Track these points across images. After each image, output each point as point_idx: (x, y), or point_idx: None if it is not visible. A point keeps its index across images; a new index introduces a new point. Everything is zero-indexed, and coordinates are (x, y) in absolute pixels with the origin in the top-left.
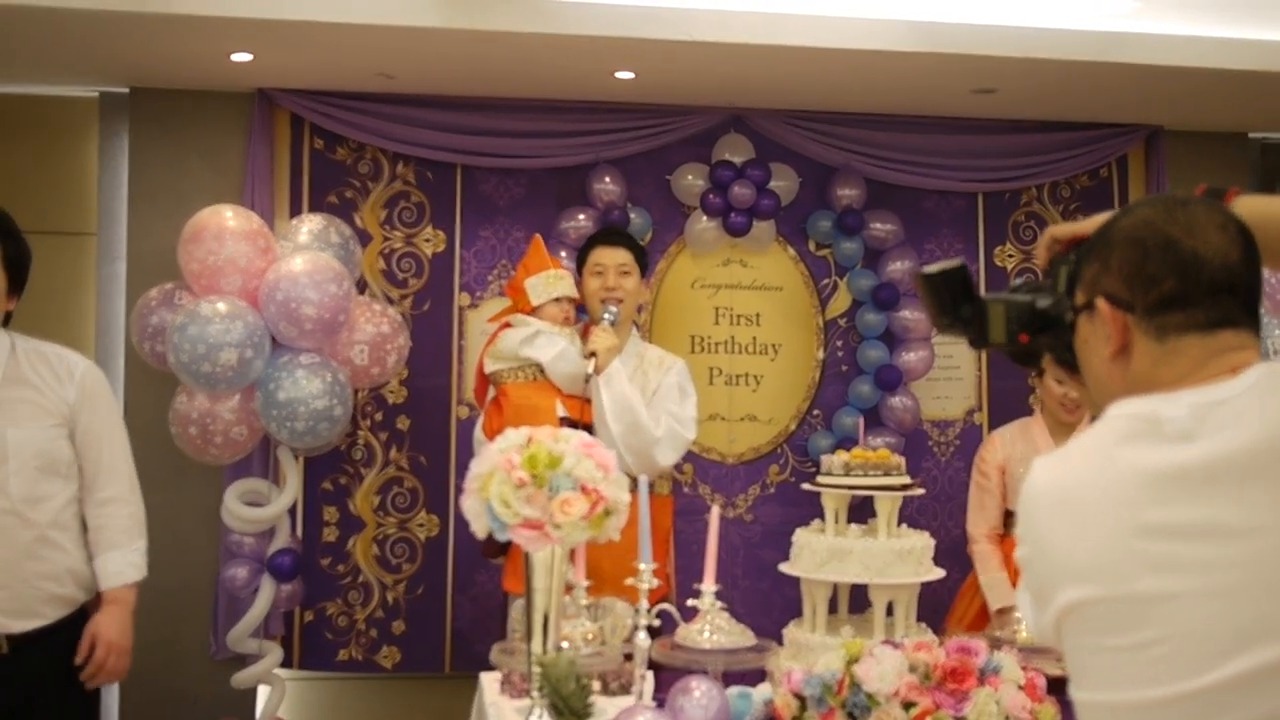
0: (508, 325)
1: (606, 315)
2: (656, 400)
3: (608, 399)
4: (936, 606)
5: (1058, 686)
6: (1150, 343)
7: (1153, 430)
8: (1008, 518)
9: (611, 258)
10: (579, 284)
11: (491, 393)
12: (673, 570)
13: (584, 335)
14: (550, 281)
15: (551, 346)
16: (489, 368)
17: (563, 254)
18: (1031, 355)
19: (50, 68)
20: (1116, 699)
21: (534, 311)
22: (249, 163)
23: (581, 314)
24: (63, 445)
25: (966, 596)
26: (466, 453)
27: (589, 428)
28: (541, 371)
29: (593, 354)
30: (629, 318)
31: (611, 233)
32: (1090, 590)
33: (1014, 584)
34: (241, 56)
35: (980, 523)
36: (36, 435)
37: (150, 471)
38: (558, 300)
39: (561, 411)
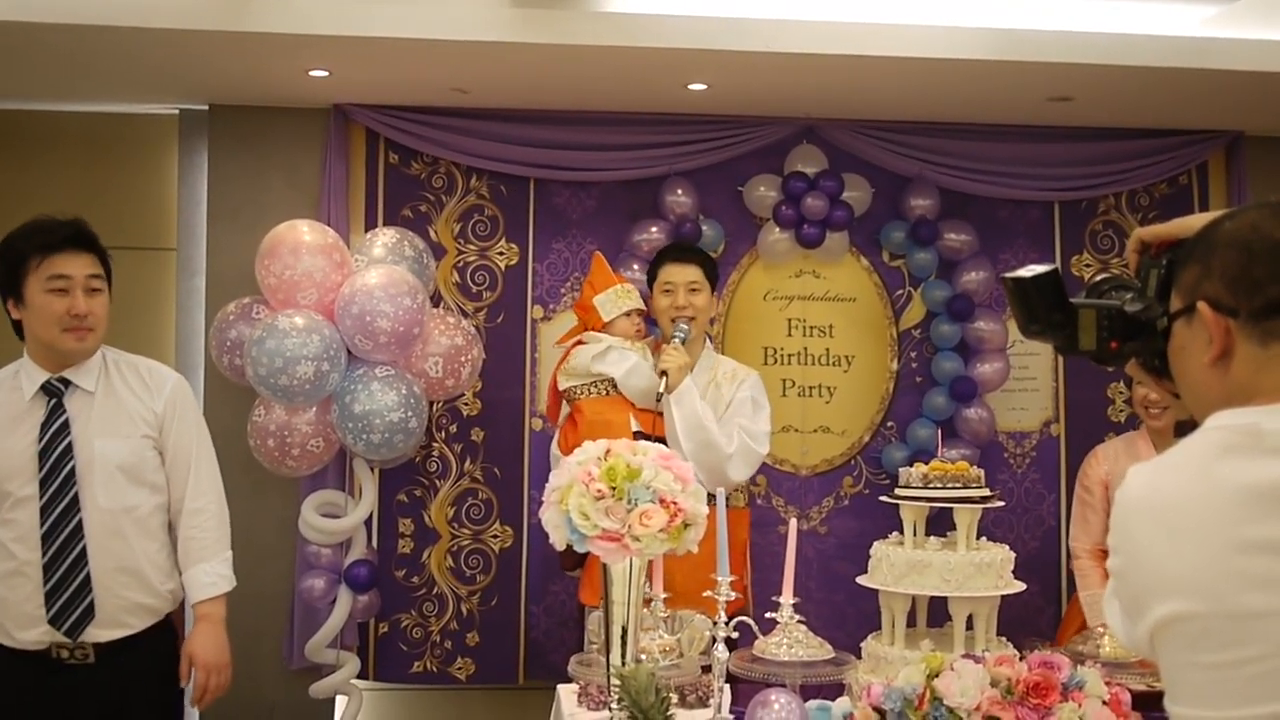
0: (580, 343)
1: (677, 334)
2: (729, 415)
3: (679, 417)
4: (1013, 620)
5: (1142, 702)
6: (1253, 348)
7: (1253, 444)
8: None
9: (681, 275)
10: (648, 298)
11: (566, 409)
12: (750, 583)
13: (655, 350)
14: (619, 296)
15: (624, 361)
16: (563, 384)
17: (635, 267)
18: (1118, 359)
19: (131, 86)
20: (1214, 716)
21: (606, 327)
22: (325, 178)
23: (652, 326)
24: (149, 456)
25: (1077, 612)
26: (540, 464)
27: (662, 441)
28: (614, 386)
29: (664, 373)
30: (701, 332)
31: (680, 249)
32: (1188, 605)
33: None
34: (318, 73)
35: (1084, 538)
36: (122, 446)
37: (228, 483)
38: (628, 314)
39: (635, 425)
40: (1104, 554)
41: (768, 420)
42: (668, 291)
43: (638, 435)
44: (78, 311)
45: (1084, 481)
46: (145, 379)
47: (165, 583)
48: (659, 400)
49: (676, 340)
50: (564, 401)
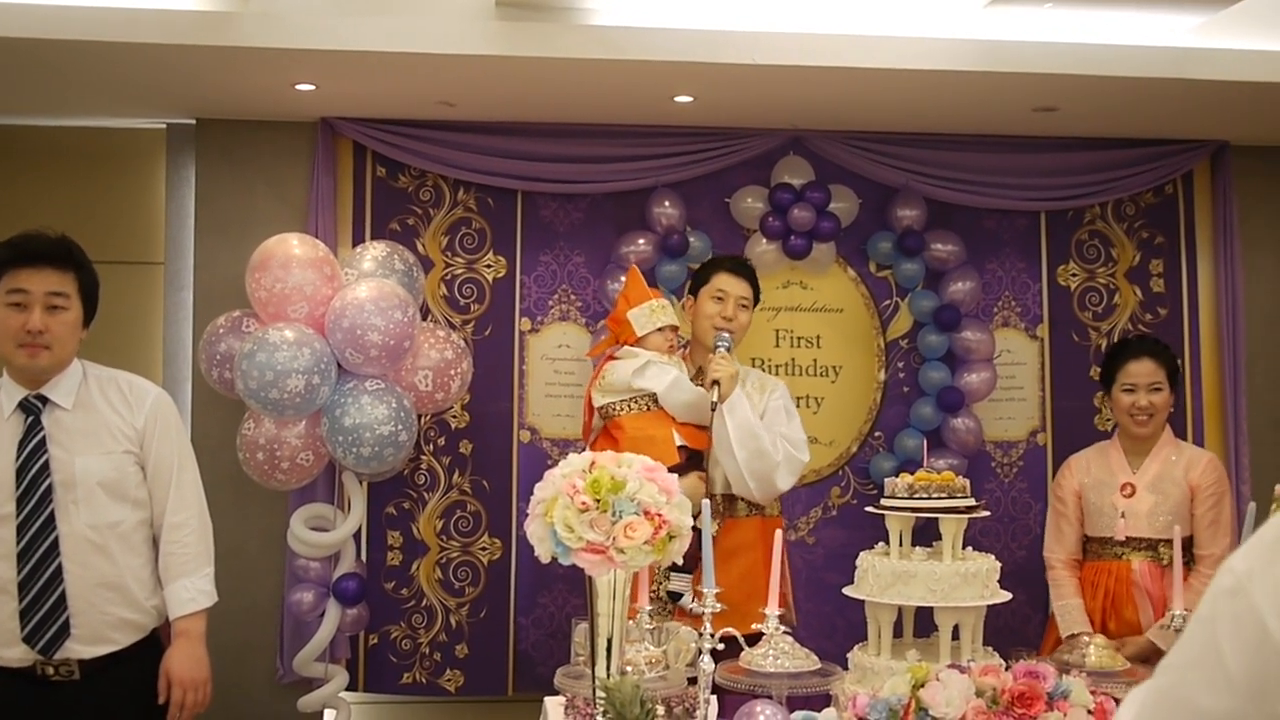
0: (612, 358)
1: (721, 343)
2: (766, 424)
3: (732, 426)
4: (1001, 629)
5: None
6: None
7: None
8: (1086, 544)
9: (736, 288)
10: (684, 303)
11: (598, 423)
12: (790, 589)
13: (686, 358)
14: (654, 312)
15: (664, 376)
16: (599, 401)
17: (621, 279)
18: None
19: (119, 100)
20: None
21: (639, 342)
22: (313, 191)
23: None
24: (131, 471)
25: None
26: (528, 476)
27: (697, 456)
28: (655, 401)
29: (715, 382)
30: (735, 349)
31: (739, 262)
32: None
33: (1089, 610)
34: (305, 87)
35: (1058, 549)
36: (103, 462)
37: (217, 497)
38: (661, 330)
39: (679, 440)
40: (1078, 563)
41: (800, 428)
42: (719, 299)
43: (682, 450)
44: (31, 328)
45: (1058, 492)
46: (126, 394)
47: (150, 598)
48: (714, 410)
49: (721, 349)
50: (597, 419)
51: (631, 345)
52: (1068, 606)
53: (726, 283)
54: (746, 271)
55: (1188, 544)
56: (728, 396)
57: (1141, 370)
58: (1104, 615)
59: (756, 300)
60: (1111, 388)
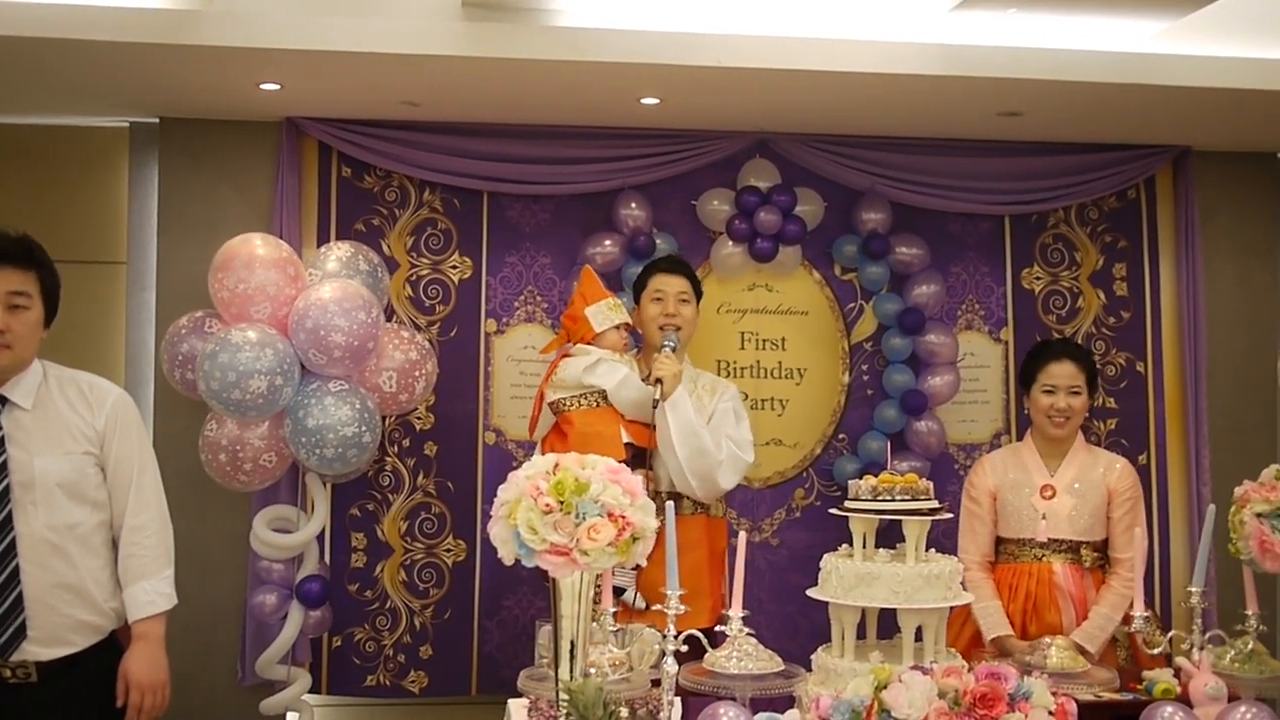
0: (567, 355)
1: (667, 343)
2: (713, 425)
3: (674, 424)
4: None
5: (1088, 713)
6: None
7: None
8: (1001, 545)
9: (672, 285)
10: (633, 310)
11: (548, 418)
12: (726, 590)
13: (641, 363)
14: (611, 309)
15: (614, 373)
16: (550, 397)
17: None
18: None
19: (81, 99)
20: None
21: (596, 339)
22: (277, 191)
23: (632, 339)
24: (90, 472)
25: (955, 625)
26: (493, 478)
27: (643, 454)
28: (604, 398)
29: (658, 381)
30: (684, 345)
31: (672, 261)
32: None
33: (1009, 613)
34: (269, 86)
35: (972, 549)
36: (63, 463)
37: (179, 498)
38: (617, 327)
39: (625, 438)
40: (991, 564)
41: (749, 430)
42: (658, 300)
43: (629, 447)
44: None
45: (971, 493)
46: (86, 395)
47: (109, 600)
48: (655, 407)
49: (667, 349)
50: (549, 413)
51: (588, 342)
52: (988, 609)
53: (662, 281)
54: (681, 267)
55: (1103, 547)
56: (670, 395)
57: (1062, 372)
58: (1025, 618)
59: (699, 294)
60: (1031, 388)
